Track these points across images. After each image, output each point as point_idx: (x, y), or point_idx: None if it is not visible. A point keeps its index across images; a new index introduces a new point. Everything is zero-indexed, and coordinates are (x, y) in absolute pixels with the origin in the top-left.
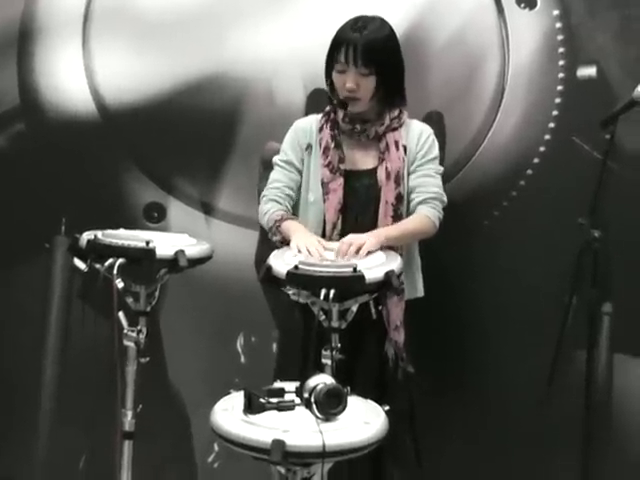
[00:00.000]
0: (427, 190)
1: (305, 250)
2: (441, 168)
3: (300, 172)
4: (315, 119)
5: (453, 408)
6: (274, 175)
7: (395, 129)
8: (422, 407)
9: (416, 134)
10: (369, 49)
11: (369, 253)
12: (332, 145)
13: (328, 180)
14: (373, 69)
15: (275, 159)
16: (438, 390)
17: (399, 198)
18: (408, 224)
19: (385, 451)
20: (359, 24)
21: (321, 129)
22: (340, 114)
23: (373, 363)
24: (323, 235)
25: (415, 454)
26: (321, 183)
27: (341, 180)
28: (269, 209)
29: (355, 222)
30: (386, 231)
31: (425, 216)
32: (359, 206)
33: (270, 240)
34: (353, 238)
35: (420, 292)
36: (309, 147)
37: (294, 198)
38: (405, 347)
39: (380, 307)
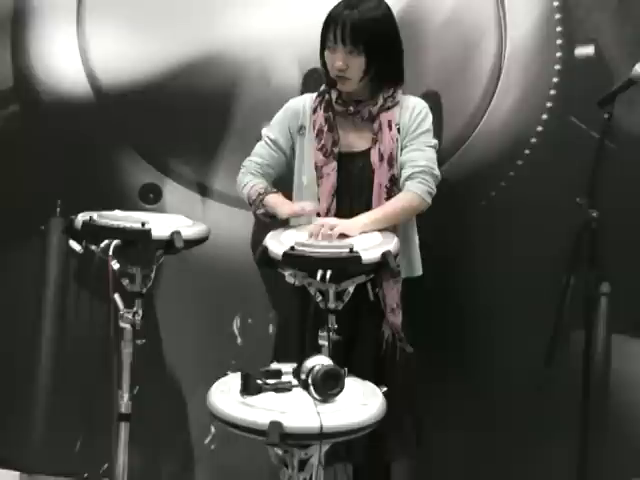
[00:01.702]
0: (415, 164)
1: (299, 208)
2: (434, 140)
3: (284, 153)
4: (309, 98)
5: (450, 388)
6: (258, 148)
7: (389, 108)
8: (419, 387)
9: (409, 110)
10: (358, 28)
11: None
12: (325, 128)
13: (321, 164)
14: (362, 48)
15: (264, 131)
16: (435, 370)
17: (392, 180)
18: (391, 205)
19: (385, 432)
20: (352, 2)
21: (315, 110)
22: (334, 95)
23: (371, 345)
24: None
25: (415, 435)
26: (315, 167)
27: (334, 164)
28: (249, 180)
29: (350, 205)
30: (368, 216)
31: (412, 192)
32: (353, 189)
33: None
34: (327, 220)
35: (418, 271)
36: (302, 128)
37: (273, 176)
38: (403, 327)
39: (377, 289)
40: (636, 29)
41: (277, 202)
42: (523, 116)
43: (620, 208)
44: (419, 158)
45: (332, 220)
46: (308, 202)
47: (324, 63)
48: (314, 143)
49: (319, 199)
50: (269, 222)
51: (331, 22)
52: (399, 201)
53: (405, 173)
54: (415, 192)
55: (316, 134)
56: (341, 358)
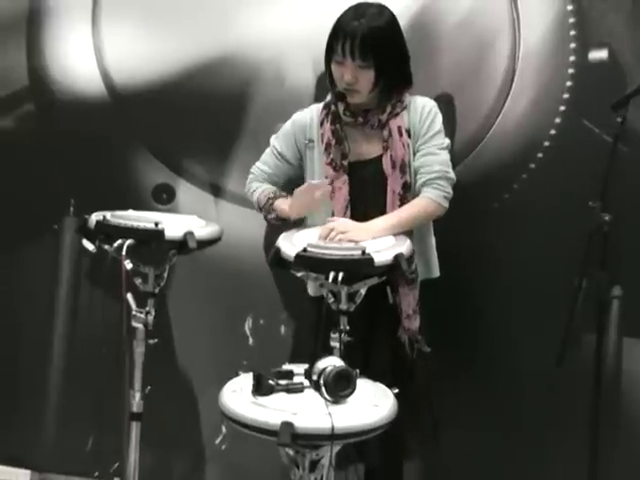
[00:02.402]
0: (430, 170)
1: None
2: (446, 141)
3: (291, 165)
4: (316, 110)
5: (465, 388)
6: (265, 157)
7: (397, 114)
8: (435, 386)
9: (418, 112)
10: (368, 41)
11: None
12: (334, 142)
13: (332, 178)
14: (372, 62)
15: (272, 139)
16: (450, 370)
17: (406, 187)
18: (406, 210)
19: (405, 429)
20: (359, 12)
21: (322, 123)
22: (341, 107)
23: (389, 347)
24: None
25: (433, 435)
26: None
27: (345, 177)
28: (257, 187)
29: (364, 212)
30: (383, 220)
31: (427, 198)
32: (367, 198)
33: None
34: (338, 225)
35: (435, 272)
36: (310, 142)
37: (279, 185)
38: (420, 328)
39: (394, 293)
40: None
41: (285, 205)
42: (536, 119)
43: (633, 212)
44: (433, 163)
45: (347, 223)
46: (315, 180)
47: (330, 75)
48: (324, 156)
49: (333, 212)
50: (281, 225)
51: (339, 35)
52: (414, 207)
53: (420, 179)
54: (430, 198)
55: (325, 148)
56: (359, 360)
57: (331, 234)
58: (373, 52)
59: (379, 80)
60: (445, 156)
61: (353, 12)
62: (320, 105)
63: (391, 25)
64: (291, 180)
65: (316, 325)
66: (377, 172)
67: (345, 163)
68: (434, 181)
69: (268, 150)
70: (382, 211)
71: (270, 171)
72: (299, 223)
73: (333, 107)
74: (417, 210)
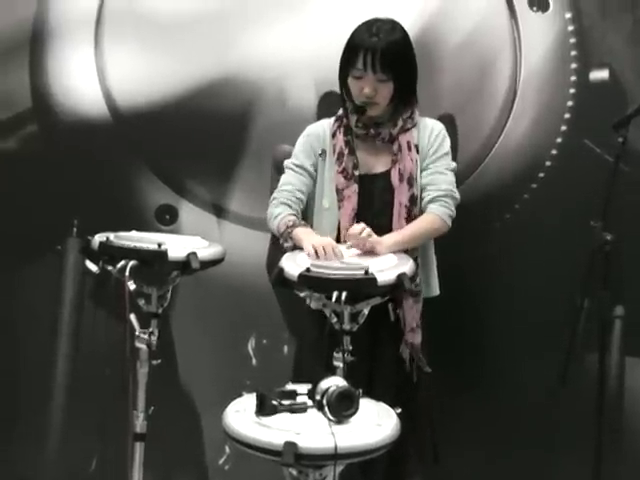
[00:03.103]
0: (437, 188)
1: (321, 250)
2: (453, 164)
3: (312, 176)
4: (328, 124)
5: (466, 408)
6: (285, 178)
7: (408, 130)
8: (436, 406)
9: (427, 131)
10: (388, 55)
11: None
12: (346, 151)
13: (342, 187)
14: (391, 75)
15: (287, 162)
16: (452, 389)
17: (412, 200)
18: (416, 226)
19: (403, 453)
20: (374, 29)
21: (334, 135)
22: (353, 119)
23: (391, 365)
24: (337, 241)
25: (433, 454)
26: (336, 190)
27: (355, 187)
28: (280, 213)
29: (371, 226)
30: (394, 237)
31: (434, 215)
32: (374, 211)
33: (279, 244)
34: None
35: (435, 291)
36: (323, 153)
37: (304, 202)
38: (422, 346)
39: (398, 310)
40: None
41: (303, 234)
42: (538, 139)
43: (634, 231)
44: (441, 182)
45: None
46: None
47: (346, 90)
48: (334, 166)
49: (339, 221)
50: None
51: (358, 49)
52: (423, 222)
53: (428, 196)
54: (437, 214)
55: (337, 157)
56: (361, 379)
57: (364, 232)
58: (392, 65)
59: (396, 93)
60: (452, 177)
61: (369, 28)
62: (331, 119)
63: (406, 39)
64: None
65: (318, 343)
66: (385, 186)
67: (356, 173)
68: (441, 199)
69: (285, 174)
70: (388, 224)
71: (294, 188)
72: None
73: (345, 120)
74: (425, 225)
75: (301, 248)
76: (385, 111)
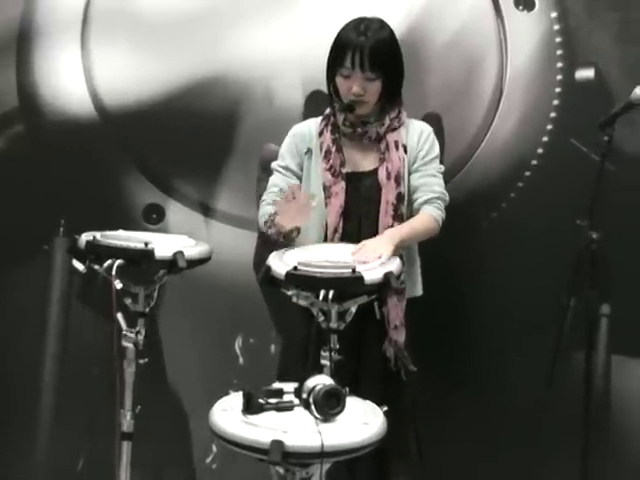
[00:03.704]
0: (431, 190)
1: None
2: (442, 167)
3: (298, 177)
4: (314, 123)
5: (453, 407)
6: (272, 180)
7: (395, 129)
8: (423, 405)
9: (416, 133)
10: (376, 53)
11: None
12: (333, 149)
13: (330, 184)
14: (379, 73)
15: (273, 164)
16: (438, 388)
17: (400, 198)
18: (417, 224)
19: (388, 450)
20: (362, 27)
21: (321, 133)
22: (340, 117)
23: (376, 363)
24: (325, 239)
25: (417, 453)
26: (323, 187)
27: (343, 184)
28: (265, 211)
29: (357, 225)
30: (400, 234)
31: (430, 216)
32: (361, 209)
33: (269, 242)
34: (369, 249)
35: (419, 291)
36: (309, 151)
37: None
38: (406, 346)
39: (383, 308)
40: (636, 52)
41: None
42: (524, 138)
43: (621, 230)
44: (434, 184)
45: (376, 249)
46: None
47: (334, 88)
48: (321, 164)
49: (326, 219)
50: (281, 243)
51: (346, 48)
52: (421, 222)
53: (422, 197)
54: (433, 216)
55: (324, 155)
56: (347, 377)
57: (361, 250)
58: (380, 64)
59: (384, 91)
60: (442, 181)
61: (356, 27)
62: (318, 118)
63: (393, 38)
64: None
65: (305, 341)
66: (372, 184)
67: (343, 170)
68: (436, 201)
69: (272, 176)
70: (375, 222)
71: (278, 189)
72: (292, 242)
73: (333, 118)
74: (422, 225)
75: (284, 235)
76: (373, 110)
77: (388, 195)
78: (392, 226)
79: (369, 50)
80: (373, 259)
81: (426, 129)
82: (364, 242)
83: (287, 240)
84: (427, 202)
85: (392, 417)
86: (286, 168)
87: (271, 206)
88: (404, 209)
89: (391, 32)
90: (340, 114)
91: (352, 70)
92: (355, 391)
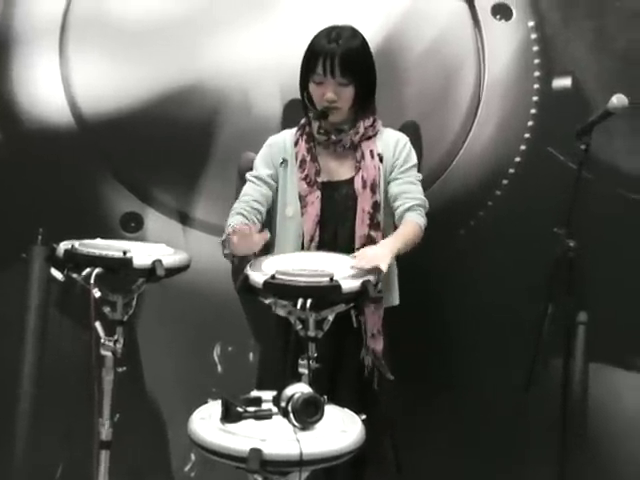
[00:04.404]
0: (413, 197)
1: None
2: (420, 175)
3: (270, 187)
4: (289, 134)
5: (431, 415)
6: (244, 189)
7: (370, 138)
8: (401, 414)
9: (392, 142)
10: (347, 59)
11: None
12: (308, 158)
13: (305, 193)
14: (351, 79)
15: (247, 175)
16: (416, 397)
17: (375, 206)
18: (408, 233)
19: (366, 458)
20: (333, 35)
21: (296, 143)
22: (315, 126)
23: (354, 372)
24: (301, 248)
25: (395, 461)
26: (299, 197)
27: (318, 193)
28: (232, 223)
29: (334, 234)
30: (396, 245)
31: (416, 223)
32: (337, 217)
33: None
34: (369, 257)
35: (395, 300)
36: (284, 162)
37: (262, 212)
38: (383, 355)
39: (360, 316)
40: (613, 61)
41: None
42: (501, 147)
43: (597, 238)
44: (414, 191)
45: (373, 260)
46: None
47: (308, 96)
48: (297, 174)
49: (302, 229)
50: (235, 264)
51: (318, 55)
52: (410, 230)
53: (404, 204)
54: (417, 223)
55: (299, 164)
56: (324, 385)
57: (360, 259)
58: (352, 69)
59: (357, 97)
60: (421, 189)
61: (328, 34)
62: (293, 129)
63: (364, 44)
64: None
65: (283, 350)
66: (348, 193)
67: (319, 179)
68: (418, 208)
69: (245, 185)
70: (351, 231)
71: (250, 198)
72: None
73: (308, 128)
74: (415, 232)
75: (242, 257)
76: (346, 116)
77: (364, 204)
78: (369, 235)
79: (340, 56)
80: (370, 267)
81: (402, 138)
82: (363, 250)
83: (238, 261)
84: (410, 209)
85: (368, 424)
86: (258, 178)
87: (239, 217)
88: (380, 217)
89: (363, 39)
90: (315, 122)
91: (324, 77)
92: (332, 399)
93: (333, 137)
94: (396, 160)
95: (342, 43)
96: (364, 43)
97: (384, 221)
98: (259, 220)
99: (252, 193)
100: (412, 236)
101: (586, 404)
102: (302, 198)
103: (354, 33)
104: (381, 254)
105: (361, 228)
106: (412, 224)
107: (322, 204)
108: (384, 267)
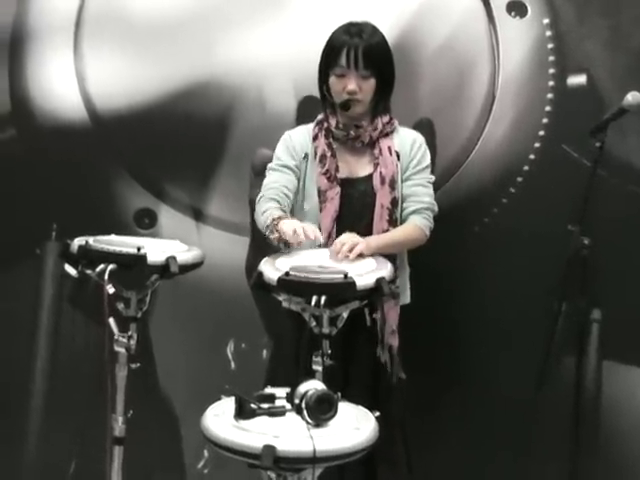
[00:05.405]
0: (420, 200)
1: (300, 230)
2: (432, 177)
3: (297, 176)
4: (307, 129)
5: (443, 413)
6: (270, 177)
7: (387, 135)
8: (412, 412)
9: (409, 142)
10: (370, 52)
11: (360, 256)
12: (329, 154)
13: (325, 188)
14: (373, 71)
15: (270, 165)
16: (428, 395)
17: (394, 202)
18: (398, 234)
19: (377, 456)
20: (354, 30)
21: (315, 138)
22: (332, 122)
23: (367, 369)
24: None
25: (406, 459)
26: (318, 192)
27: (338, 189)
28: (267, 208)
29: (350, 230)
30: (376, 240)
31: (416, 226)
32: (354, 214)
33: (261, 247)
34: (347, 238)
35: (407, 298)
36: (306, 156)
37: (291, 199)
38: (398, 352)
39: (374, 314)
40: (628, 58)
41: (288, 224)
42: (516, 144)
43: (612, 235)
44: (423, 194)
45: (353, 238)
46: (311, 227)
47: (327, 89)
48: (317, 169)
49: (320, 224)
50: (283, 249)
51: (340, 48)
52: (403, 232)
53: (410, 207)
54: (419, 226)
55: (319, 160)
56: (338, 382)
57: (343, 248)
58: (374, 61)
59: (377, 91)
60: (432, 191)
61: (348, 29)
62: (309, 125)
63: (385, 41)
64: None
65: (296, 346)
66: (367, 189)
67: (339, 175)
68: (424, 211)
69: (268, 175)
70: (368, 227)
71: (279, 184)
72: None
73: (326, 123)
74: (405, 234)
75: (286, 241)
76: (366, 110)
77: (383, 199)
78: (387, 230)
79: (363, 48)
80: (349, 248)
81: (419, 138)
82: (340, 238)
83: (286, 247)
84: (415, 212)
85: (381, 422)
86: (284, 166)
87: (273, 203)
88: (398, 214)
89: (383, 35)
90: (332, 118)
91: (347, 69)
92: (345, 396)
93: (352, 133)
94: (412, 160)
95: (365, 37)
96: (384, 39)
97: (400, 221)
98: (288, 207)
99: (281, 180)
100: (403, 237)
101: (599, 402)
102: (321, 193)
103: (375, 29)
104: (357, 239)
105: (380, 224)
106: (410, 226)
107: (340, 200)
108: (359, 247)
